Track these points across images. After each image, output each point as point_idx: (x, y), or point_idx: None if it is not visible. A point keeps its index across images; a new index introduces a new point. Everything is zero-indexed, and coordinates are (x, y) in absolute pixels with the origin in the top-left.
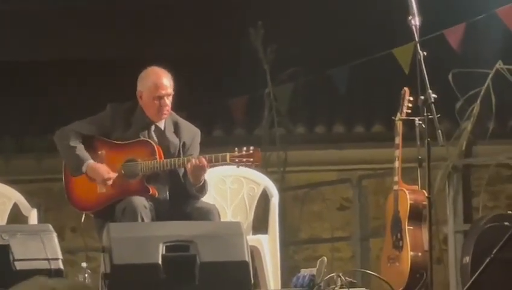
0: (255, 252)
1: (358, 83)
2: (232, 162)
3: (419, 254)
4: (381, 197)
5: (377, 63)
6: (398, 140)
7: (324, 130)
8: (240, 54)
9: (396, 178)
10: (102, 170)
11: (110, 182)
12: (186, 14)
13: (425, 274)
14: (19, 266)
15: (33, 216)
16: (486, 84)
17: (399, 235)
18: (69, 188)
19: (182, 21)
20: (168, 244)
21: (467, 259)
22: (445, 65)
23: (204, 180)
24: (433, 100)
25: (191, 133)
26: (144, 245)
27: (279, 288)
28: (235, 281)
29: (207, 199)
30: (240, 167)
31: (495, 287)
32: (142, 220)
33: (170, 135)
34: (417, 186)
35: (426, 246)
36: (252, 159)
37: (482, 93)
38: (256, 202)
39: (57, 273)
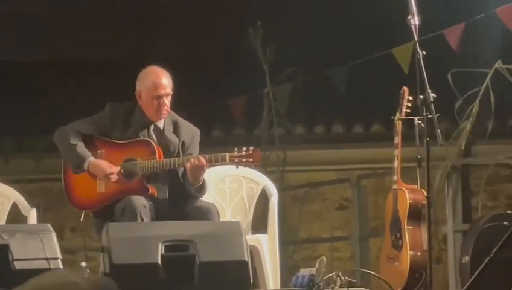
0: (254, 251)
1: (357, 82)
2: (232, 162)
3: (419, 253)
4: (380, 197)
5: (376, 63)
6: (397, 140)
7: (323, 130)
8: (239, 54)
9: (395, 178)
10: (105, 166)
11: (113, 177)
12: (186, 14)
13: (424, 274)
14: (18, 265)
15: (32, 216)
16: (485, 84)
17: (398, 234)
18: (68, 188)
19: (182, 21)
20: (167, 244)
21: (466, 259)
22: (444, 65)
23: (204, 180)
24: (432, 100)
25: (191, 132)
26: (143, 245)
27: (279, 288)
28: (234, 281)
29: (206, 198)
30: (240, 167)
31: (494, 286)
32: (142, 219)
33: (169, 135)
34: (416, 186)
35: (425, 246)
36: (251, 160)
37: (481, 92)
38: (255, 201)
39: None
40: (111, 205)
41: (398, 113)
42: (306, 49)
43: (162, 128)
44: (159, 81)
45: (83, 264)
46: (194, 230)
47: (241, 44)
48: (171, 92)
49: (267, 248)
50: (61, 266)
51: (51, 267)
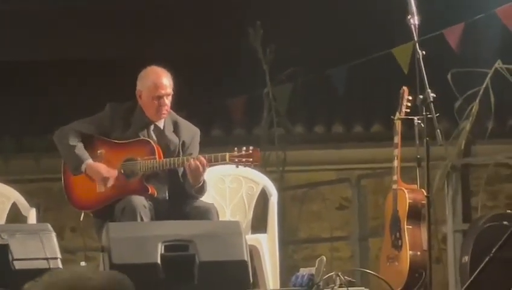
0: (254, 251)
1: (357, 82)
2: (232, 162)
3: (418, 253)
4: (380, 197)
5: (376, 63)
6: (397, 139)
7: (323, 130)
8: (239, 54)
9: (395, 177)
10: (102, 170)
11: (110, 182)
12: (186, 14)
13: (424, 273)
14: (18, 265)
15: (32, 216)
16: (485, 84)
17: (398, 234)
18: (68, 188)
19: (182, 21)
20: (167, 243)
21: (466, 258)
22: (444, 64)
23: (204, 181)
24: (432, 99)
25: (191, 132)
26: (143, 245)
27: (278, 287)
28: (234, 281)
29: (206, 198)
30: (239, 166)
31: (494, 286)
32: (142, 219)
33: (170, 134)
34: (416, 186)
35: (425, 246)
36: (251, 159)
37: (481, 92)
38: (255, 201)
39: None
40: (111, 205)
41: (397, 113)
42: (306, 49)
43: (162, 128)
44: (159, 81)
45: (83, 264)
46: (194, 230)
47: (241, 44)
48: (172, 92)
49: (266, 247)
50: (61, 266)
51: (51, 267)
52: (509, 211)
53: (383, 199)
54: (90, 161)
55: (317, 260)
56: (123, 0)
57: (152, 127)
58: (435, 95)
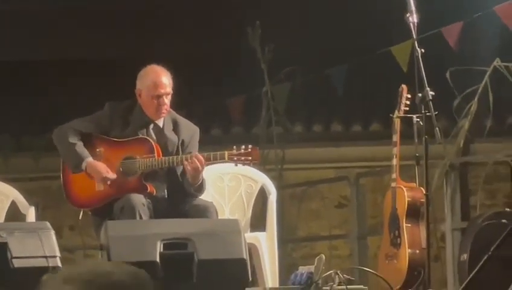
0: (252, 249)
1: (356, 81)
2: (231, 160)
3: (417, 251)
4: (379, 195)
5: (375, 61)
6: (395, 138)
7: (322, 129)
8: (239, 54)
9: (394, 176)
10: (102, 169)
11: (109, 181)
12: (186, 14)
13: (423, 272)
14: (16, 263)
15: (31, 214)
16: (483, 82)
17: (397, 232)
18: (67, 186)
19: (182, 21)
20: (166, 242)
21: (465, 257)
22: (443, 63)
23: (203, 179)
24: (430, 98)
25: (190, 131)
26: (141, 243)
27: (277, 286)
28: (233, 279)
29: (205, 196)
30: (238, 165)
31: (492, 284)
32: (140, 217)
33: (169, 133)
34: (415, 184)
35: (424, 244)
36: (250, 158)
37: (479, 91)
38: (254, 199)
39: (54, 271)
40: (110, 203)
41: (396, 112)
42: (304, 48)
43: (161, 126)
44: (159, 80)
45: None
46: (193, 228)
47: (240, 44)
48: (171, 92)
49: (265, 245)
50: (59, 265)
51: (50, 265)
52: (508, 209)
53: (382, 197)
54: (90, 159)
55: (316, 258)
56: (123, 0)
57: (151, 125)
58: (433, 93)
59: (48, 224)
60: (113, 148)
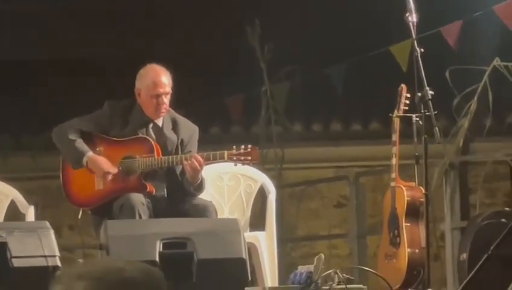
0: (252, 249)
1: (355, 80)
2: (230, 160)
3: (417, 250)
4: (378, 195)
5: (374, 61)
6: (395, 137)
7: (321, 128)
8: (238, 53)
9: (393, 175)
10: (103, 163)
11: (110, 176)
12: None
13: (422, 271)
14: (16, 263)
15: (30, 213)
16: (483, 81)
17: (396, 232)
18: (66, 185)
19: (182, 21)
20: (165, 241)
21: (464, 256)
22: (442, 62)
23: (202, 178)
24: (430, 97)
25: (189, 130)
26: (141, 242)
27: (277, 285)
28: (232, 278)
29: (204, 196)
30: (238, 164)
31: (492, 284)
32: (140, 217)
33: (168, 132)
34: (414, 183)
35: (423, 243)
36: (250, 157)
37: (479, 90)
38: (253, 199)
39: (54, 270)
40: (109, 203)
41: (396, 111)
42: (304, 48)
43: (160, 125)
44: (158, 79)
45: (81, 261)
46: (192, 227)
47: (238, 42)
48: (170, 91)
49: (265, 245)
50: (59, 264)
51: (49, 264)
52: (507, 208)
53: (381, 197)
54: (91, 153)
55: (316, 257)
56: (123, 0)
57: (151, 125)
58: (433, 93)
59: (47, 223)
60: (113, 147)
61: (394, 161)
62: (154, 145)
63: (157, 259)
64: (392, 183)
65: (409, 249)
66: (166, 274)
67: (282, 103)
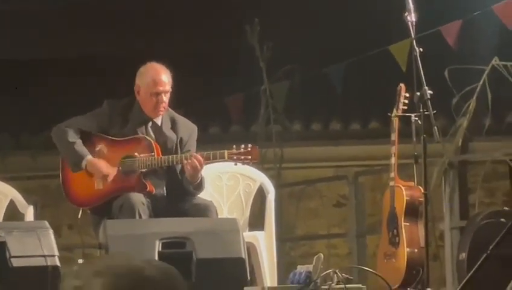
0: (251, 248)
1: (354, 80)
2: (231, 159)
3: (416, 250)
4: (377, 194)
5: (373, 60)
6: (394, 136)
7: (320, 127)
8: (237, 52)
9: (392, 174)
10: (102, 167)
11: (110, 178)
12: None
13: (421, 270)
14: (15, 263)
15: (29, 213)
16: (482, 81)
17: (395, 231)
18: (66, 184)
19: (182, 21)
20: (165, 241)
21: (463, 255)
22: (441, 61)
23: (202, 177)
24: (429, 96)
25: (188, 129)
26: (140, 242)
27: (276, 285)
28: (231, 278)
29: (204, 195)
30: (238, 164)
31: (491, 283)
32: (140, 216)
33: (167, 131)
34: (413, 183)
35: (422, 243)
36: (250, 157)
37: (478, 89)
38: (252, 198)
39: (53, 270)
40: (109, 202)
41: (395, 110)
42: (303, 47)
43: (160, 124)
44: (158, 77)
45: (80, 261)
46: (191, 227)
47: (238, 42)
48: (170, 90)
49: (264, 244)
50: (58, 264)
51: (48, 264)
52: (507, 208)
53: (381, 196)
54: (90, 156)
55: (315, 257)
56: (123, 0)
57: (150, 123)
58: (432, 92)
59: (47, 223)
60: (113, 147)
61: (393, 160)
62: (154, 145)
63: (156, 258)
64: (391, 183)
65: (408, 249)
66: None
67: (282, 102)
